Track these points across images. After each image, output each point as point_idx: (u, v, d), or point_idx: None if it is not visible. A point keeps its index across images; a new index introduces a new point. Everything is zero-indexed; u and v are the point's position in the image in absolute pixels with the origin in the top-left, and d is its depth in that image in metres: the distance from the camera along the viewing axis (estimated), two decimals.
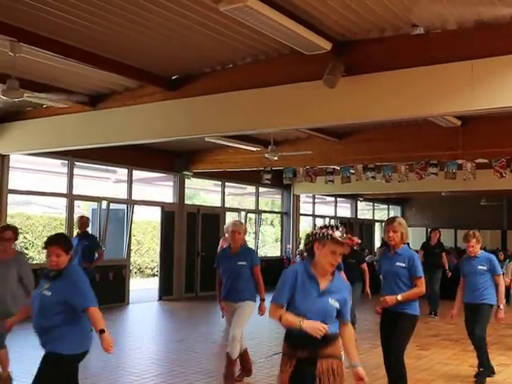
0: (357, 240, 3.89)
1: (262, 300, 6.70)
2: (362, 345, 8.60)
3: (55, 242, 4.34)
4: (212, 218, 15.34)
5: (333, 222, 19.48)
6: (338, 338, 3.69)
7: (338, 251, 3.61)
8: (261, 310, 6.69)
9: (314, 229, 3.87)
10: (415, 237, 18.95)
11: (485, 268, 6.70)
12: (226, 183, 16.34)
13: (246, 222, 16.86)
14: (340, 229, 3.66)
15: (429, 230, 22.43)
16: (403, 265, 5.51)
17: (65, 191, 12.10)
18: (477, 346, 6.76)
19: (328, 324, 3.52)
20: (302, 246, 18.28)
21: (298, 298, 3.60)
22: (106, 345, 4.13)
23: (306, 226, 19.99)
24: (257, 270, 6.64)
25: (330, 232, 3.62)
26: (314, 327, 3.45)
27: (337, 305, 3.62)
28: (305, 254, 3.83)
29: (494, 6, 5.45)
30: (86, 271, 9.35)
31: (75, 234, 10.73)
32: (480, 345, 6.74)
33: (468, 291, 6.82)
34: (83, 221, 10.28)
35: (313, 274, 3.64)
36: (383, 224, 21.25)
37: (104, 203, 12.78)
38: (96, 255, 10.20)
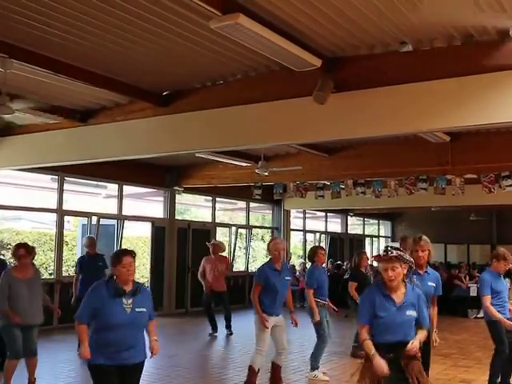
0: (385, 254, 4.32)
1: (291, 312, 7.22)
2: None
3: (132, 254, 4.58)
4: (203, 234, 15.30)
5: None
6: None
7: (388, 267, 4.27)
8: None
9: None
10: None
11: None
12: (217, 198, 16.33)
13: (236, 237, 16.85)
14: (388, 248, 4.35)
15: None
16: (434, 284, 5.77)
17: (55, 206, 12.06)
18: None
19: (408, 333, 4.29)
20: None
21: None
22: None
23: (296, 241, 20.00)
24: None
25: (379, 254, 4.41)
26: (380, 368, 4.16)
27: (414, 314, 4.34)
28: None
29: (482, 25, 5.53)
30: None
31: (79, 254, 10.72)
32: None
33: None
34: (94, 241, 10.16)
35: (387, 293, 4.34)
36: (373, 239, 20.93)
37: (94, 219, 12.73)
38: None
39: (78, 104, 8.67)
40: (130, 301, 4.46)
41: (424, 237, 5.82)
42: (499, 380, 6.79)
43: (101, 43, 6.27)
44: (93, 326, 4.50)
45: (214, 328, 11.22)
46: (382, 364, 4.17)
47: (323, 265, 8.67)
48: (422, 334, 4.39)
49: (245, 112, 7.42)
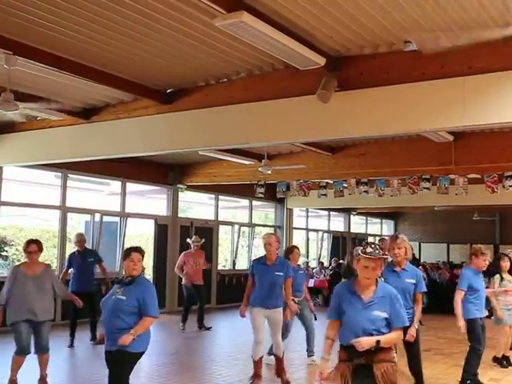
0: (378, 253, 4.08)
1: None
2: None
3: (139, 250, 5.02)
4: (205, 232, 15.31)
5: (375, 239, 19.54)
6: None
7: (370, 266, 3.99)
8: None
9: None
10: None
11: None
12: (220, 196, 16.35)
13: (239, 235, 16.87)
14: (373, 246, 4.06)
15: (422, 244, 22.53)
16: (413, 281, 5.79)
17: (58, 203, 12.09)
18: None
19: (376, 334, 3.95)
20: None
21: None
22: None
23: (299, 240, 20.00)
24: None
25: (362, 249, 4.04)
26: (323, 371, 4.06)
27: (384, 315, 4.01)
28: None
29: (488, 26, 5.53)
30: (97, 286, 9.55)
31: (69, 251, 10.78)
32: None
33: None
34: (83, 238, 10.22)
35: (354, 290, 4.10)
36: (375, 238, 20.87)
37: (97, 216, 12.76)
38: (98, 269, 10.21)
39: (82, 101, 8.69)
40: (121, 289, 4.85)
41: (401, 235, 5.96)
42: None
43: (105, 41, 6.28)
44: None
45: (185, 321, 11.56)
46: (324, 369, 4.08)
47: (297, 264, 8.97)
48: (389, 336, 4.00)
49: (248, 110, 7.42)
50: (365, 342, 3.91)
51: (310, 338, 8.60)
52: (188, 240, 12.52)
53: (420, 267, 12.42)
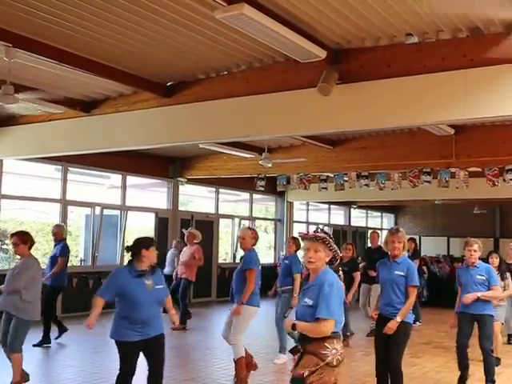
0: (311, 233, 3.95)
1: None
2: (355, 353, 8.61)
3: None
4: (206, 225, 15.32)
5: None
6: (324, 337, 3.75)
7: (306, 247, 3.89)
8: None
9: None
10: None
11: (484, 278, 6.61)
12: (220, 190, 16.35)
13: (239, 228, 16.85)
14: (319, 229, 3.94)
15: (422, 237, 22.49)
16: (402, 273, 5.63)
17: (58, 197, 12.09)
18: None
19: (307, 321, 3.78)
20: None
21: None
22: None
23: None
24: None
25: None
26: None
27: (310, 302, 3.81)
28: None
29: (489, 18, 5.51)
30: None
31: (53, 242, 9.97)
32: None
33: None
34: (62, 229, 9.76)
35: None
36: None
37: (97, 209, 12.77)
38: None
39: (82, 94, 8.67)
40: (150, 281, 5.08)
41: (401, 229, 5.85)
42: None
43: (106, 33, 6.26)
44: (118, 307, 5.02)
45: (189, 316, 11.27)
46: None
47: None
48: (304, 324, 3.79)
49: (249, 103, 7.41)
50: (286, 324, 3.94)
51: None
52: (183, 231, 12.21)
53: (415, 260, 12.32)
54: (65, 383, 6.86)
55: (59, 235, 9.42)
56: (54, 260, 9.17)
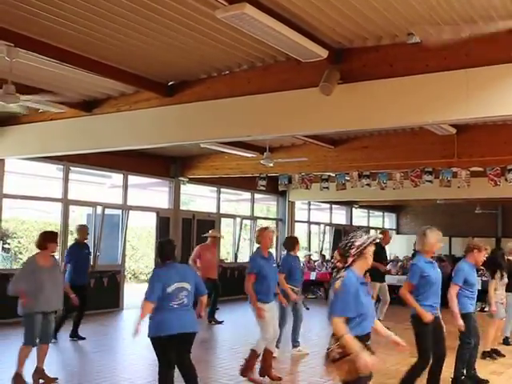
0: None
1: None
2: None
3: None
4: (207, 224, 15.31)
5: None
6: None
7: None
8: None
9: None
10: (410, 244, 18.95)
11: None
12: (222, 189, 16.34)
13: (241, 228, 16.87)
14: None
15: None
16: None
17: (60, 196, 12.08)
18: None
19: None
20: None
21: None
22: None
23: (301, 233, 20.00)
24: None
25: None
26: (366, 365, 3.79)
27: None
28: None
29: (491, 19, 5.50)
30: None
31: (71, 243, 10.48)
32: None
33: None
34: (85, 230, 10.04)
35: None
36: (377, 231, 20.82)
37: (99, 208, 12.75)
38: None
39: (83, 93, 8.67)
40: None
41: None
42: (465, 372, 6.83)
43: (107, 33, 6.26)
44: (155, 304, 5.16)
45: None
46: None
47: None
48: None
49: (250, 103, 7.40)
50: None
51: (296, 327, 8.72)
52: (211, 232, 12.40)
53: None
54: (65, 383, 6.86)
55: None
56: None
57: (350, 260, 4.03)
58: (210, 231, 12.24)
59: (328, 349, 3.94)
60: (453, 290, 6.64)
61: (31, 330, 6.45)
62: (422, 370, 5.78)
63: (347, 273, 4.00)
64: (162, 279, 5.24)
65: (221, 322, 11.48)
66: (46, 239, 6.73)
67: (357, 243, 4.04)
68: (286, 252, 9.03)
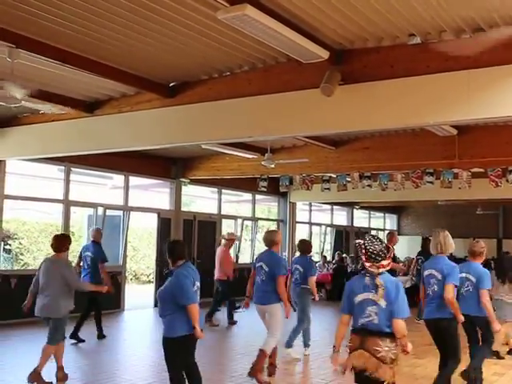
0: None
1: None
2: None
3: None
4: (208, 225, 15.32)
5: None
6: None
7: None
8: None
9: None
10: (411, 245, 18.96)
11: None
12: (223, 190, 16.34)
13: (242, 229, 16.87)
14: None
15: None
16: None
17: (61, 197, 12.09)
18: None
19: None
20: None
21: None
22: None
23: (302, 234, 20.00)
24: None
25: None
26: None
27: None
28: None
29: (493, 20, 5.50)
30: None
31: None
32: None
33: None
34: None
35: None
36: (378, 232, 20.70)
37: (100, 209, 12.76)
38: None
39: (85, 95, 8.67)
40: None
41: None
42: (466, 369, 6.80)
43: (108, 34, 6.26)
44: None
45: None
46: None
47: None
48: None
49: (251, 104, 7.40)
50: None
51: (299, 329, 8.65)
52: (229, 233, 12.95)
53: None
54: (66, 383, 6.86)
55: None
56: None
57: (387, 263, 4.19)
58: (226, 233, 12.63)
59: (377, 350, 4.09)
60: (485, 297, 6.48)
61: (63, 330, 6.78)
62: (455, 369, 6.14)
63: (390, 276, 4.22)
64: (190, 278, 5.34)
65: (217, 325, 11.43)
66: (68, 242, 7.13)
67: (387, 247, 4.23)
68: (300, 254, 9.13)
